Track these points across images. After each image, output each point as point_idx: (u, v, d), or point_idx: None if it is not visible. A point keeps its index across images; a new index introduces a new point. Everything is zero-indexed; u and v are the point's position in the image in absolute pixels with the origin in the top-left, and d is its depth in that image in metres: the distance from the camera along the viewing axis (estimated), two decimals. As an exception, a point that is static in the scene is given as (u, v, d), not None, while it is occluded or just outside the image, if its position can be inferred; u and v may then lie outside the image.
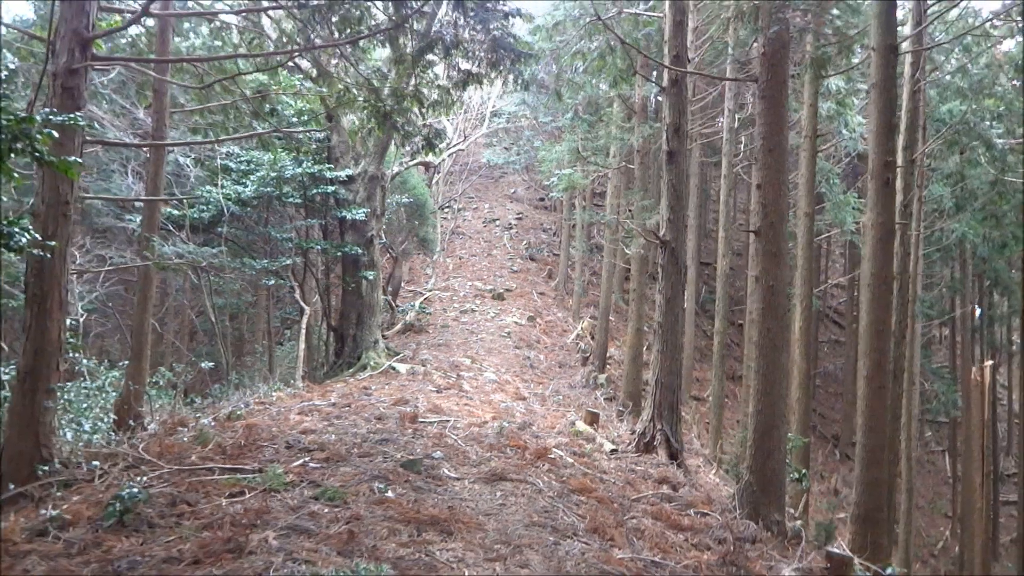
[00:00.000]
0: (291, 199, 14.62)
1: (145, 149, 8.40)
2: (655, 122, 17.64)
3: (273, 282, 13.78)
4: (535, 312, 25.61)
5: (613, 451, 10.00)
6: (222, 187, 13.65)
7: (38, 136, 4.85)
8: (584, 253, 25.12)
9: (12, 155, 4.99)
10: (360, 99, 8.75)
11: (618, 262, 21.59)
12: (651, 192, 17.87)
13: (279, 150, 13.87)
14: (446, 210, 33.75)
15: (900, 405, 12.64)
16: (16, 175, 5.22)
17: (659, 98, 15.43)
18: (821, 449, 29.37)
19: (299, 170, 14.03)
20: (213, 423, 8.22)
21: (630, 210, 21.86)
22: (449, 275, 29.02)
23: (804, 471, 7.99)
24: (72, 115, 5.13)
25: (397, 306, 23.60)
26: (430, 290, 26.57)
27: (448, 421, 9.59)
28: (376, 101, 8.67)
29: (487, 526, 5.33)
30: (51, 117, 4.77)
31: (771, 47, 8.04)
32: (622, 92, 17.67)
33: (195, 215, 13.78)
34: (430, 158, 19.70)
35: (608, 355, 21.77)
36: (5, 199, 8.94)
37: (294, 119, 14.69)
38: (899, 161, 11.65)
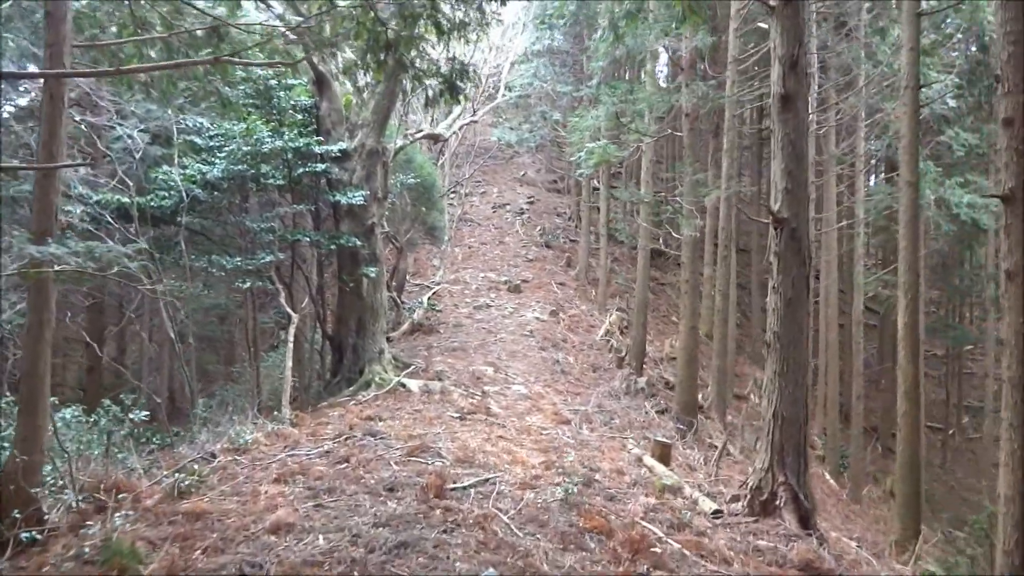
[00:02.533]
0: (272, 180, 11.76)
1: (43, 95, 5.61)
2: (708, 80, 14.76)
3: (249, 284, 10.94)
4: (557, 305, 22.79)
5: (717, 513, 7.21)
6: (183, 167, 10.83)
7: None
8: (620, 235, 22.34)
9: None
10: (351, 23, 5.91)
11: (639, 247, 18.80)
12: (704, 163, 15.01)
13: (255, 119, 11.02)
14: (452, 195, 30.91)
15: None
16: None
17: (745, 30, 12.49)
18: (864, 444, 26.82)
19: (280, 143, 11.16)
20: (139, 513, 5.43)
21: (659, 193, 18.92)
22: (458, 266, 26.19)
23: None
24: None
25: (403, 303, 20.79)
26: (439, 284, 23.73)
27: (489, 481, 6.80)
28: (374, 25, 5.84)
29: None
30: None
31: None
32: (668, 44, 14.79)
33: (153, 203, 10.95)
34: (440, 129, 16.77)
35: (645, 353, 19.02)
36: None
37: (271, 80, 11.83)
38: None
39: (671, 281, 30.81)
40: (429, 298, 21.67)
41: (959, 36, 20.50)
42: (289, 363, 11.07)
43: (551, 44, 24.90)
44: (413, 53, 6.18)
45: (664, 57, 25.70)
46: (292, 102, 12.71)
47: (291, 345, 11.35)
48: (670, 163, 33.05)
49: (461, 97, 7.07)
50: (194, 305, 18.41)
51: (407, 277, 22.90)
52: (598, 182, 27.00)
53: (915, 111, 11.88)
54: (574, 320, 22.08)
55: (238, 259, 10.82)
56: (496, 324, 20.32)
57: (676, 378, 15.39)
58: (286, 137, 11.29)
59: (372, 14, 5.73)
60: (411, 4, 5.95)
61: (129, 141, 10.08)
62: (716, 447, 14.74)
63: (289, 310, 11.78)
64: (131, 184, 10.08)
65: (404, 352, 16.82)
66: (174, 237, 11.00)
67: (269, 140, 11.05)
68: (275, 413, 10.01)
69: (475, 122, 22.52)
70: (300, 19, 6.67)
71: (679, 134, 15.07)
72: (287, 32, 6.63)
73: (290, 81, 12.58)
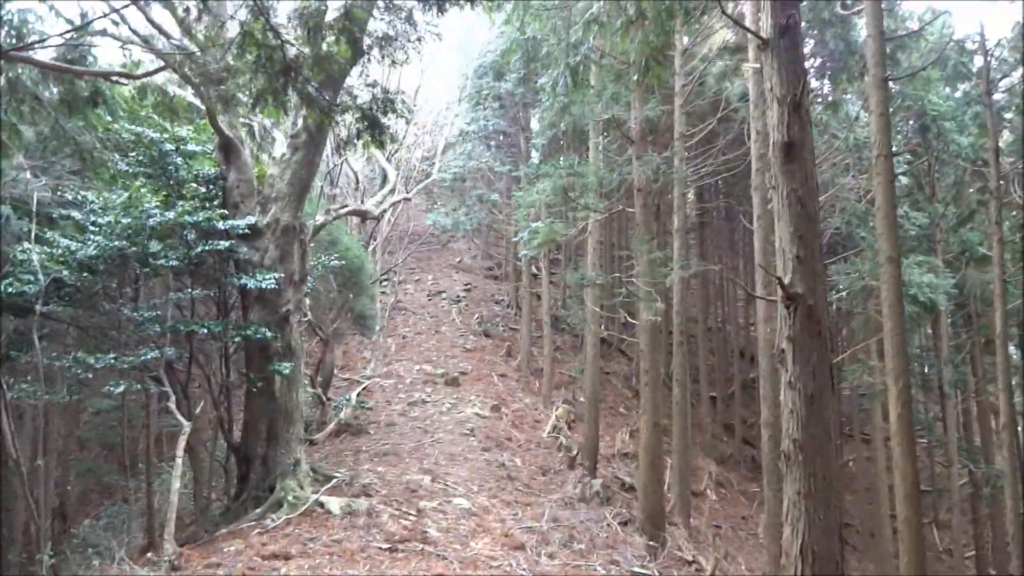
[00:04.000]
0: (164, 261, 9.81)
1: None
2: (663, 152, 13.69)
3: (123, 388, 8.82)
4: (498, 399, 20.96)
5: None
6: (48, 243, 8.86)
7: None
8: (572, 319, 20.93)
9: None
10: (236, 39, 4.30)
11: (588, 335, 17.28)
12: (660, 241, 13.75)
13: (139, 187, 9.18)
14: (384, 282, 29.13)
15: None
16: None
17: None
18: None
19: (171, 216, 9.30)
20: None
21: (608, 276, 17.54)
22: (392, 358, 24.15)
23: None
24: None
25: (329, 400, 18.61)
26: (370, 378, 21.64)
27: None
28: (265, 36, 4.23)
29: None
30: None
31: None
32: (616, 115, 13.74)
33: (11, 289, 8.86)
34: (368, 206, 15.13)
35: (598, 451, 17.23)
36: None
37: (166, 145, 10.06)
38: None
39: (615, 370, 29.33)
40: (359, 394, 19.56)
41: (899, 115, 20.42)
42: (176, 485, 8.86)
43: (486, 125, 23.94)
44: (319, 77, 4.56)
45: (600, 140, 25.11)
46: (194, 172, 10.94)
47: (179, 461, 9.17)
48: (608, 247, 32.22)
49: (387, 139, 5.49)
50: (95, 408, 15.91)
51: (334, 371, 20.78)
52: (537, 268, 25.73)
53: (891, 180, 10.86)
54: (518, 415, 20.23)
55: (111, 356, 8.73)
56: (433, 422, 18.32)
57: (638, 482, 13.61)
58: (179, 209, 9.43)
59: (263, 20, 4.11)
60: (316, 14, 4.33)
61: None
62: (688, 561, 12.91)
63: (180, 417, 9.63)
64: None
65: (328, 458, 14.64)
66: (29, 330, 8.86)
67: (157, 212, 9.18)
68: (148, 555, 7.77)
69: (408, 199, 21.05)
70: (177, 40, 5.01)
71: (631, 210, 13.83)
72: (157, 57, 4.94)
73: (192, 148, 10.86)
